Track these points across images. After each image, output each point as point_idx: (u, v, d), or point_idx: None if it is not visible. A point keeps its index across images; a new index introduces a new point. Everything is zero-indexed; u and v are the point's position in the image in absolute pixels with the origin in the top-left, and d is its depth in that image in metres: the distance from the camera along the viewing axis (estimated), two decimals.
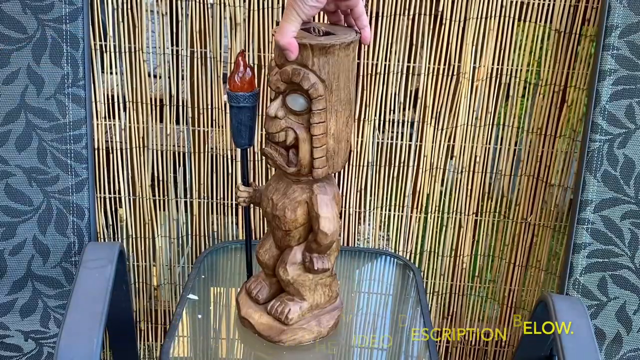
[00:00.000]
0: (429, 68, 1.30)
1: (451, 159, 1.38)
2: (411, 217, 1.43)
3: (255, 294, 1.04)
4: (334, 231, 0.94)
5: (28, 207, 1.16)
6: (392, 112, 1.34)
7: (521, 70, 1.31)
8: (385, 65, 1.30)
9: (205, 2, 1.25)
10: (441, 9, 1.26)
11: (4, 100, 1.12)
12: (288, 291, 1.00)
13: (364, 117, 1.34)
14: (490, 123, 1.35)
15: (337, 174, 1.38)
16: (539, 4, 1.25)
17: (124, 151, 1.36)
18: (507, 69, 1.31)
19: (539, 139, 1.34)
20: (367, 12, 1.25)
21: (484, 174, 1.39)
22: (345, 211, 1.42)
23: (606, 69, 1.12)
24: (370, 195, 1.41)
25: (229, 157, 1.37)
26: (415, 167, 1.38)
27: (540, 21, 1.27)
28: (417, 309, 1.14)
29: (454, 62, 1.29)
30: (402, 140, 1.37)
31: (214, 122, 1.34)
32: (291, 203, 0.95)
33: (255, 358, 1.02)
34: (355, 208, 1.42)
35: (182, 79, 1.32)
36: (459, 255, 1.46)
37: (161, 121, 1.35)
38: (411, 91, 1.33)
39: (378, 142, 1.37)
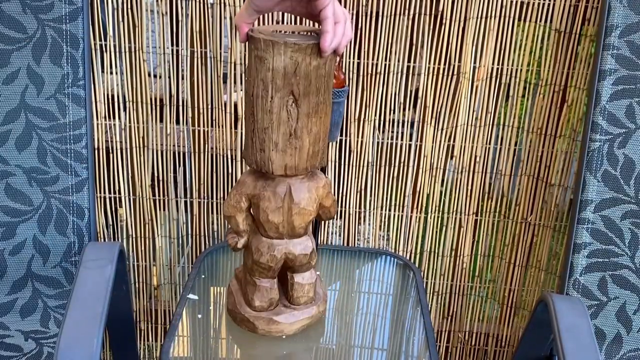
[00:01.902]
0: (429, 68, 1.30)
1: (451, 159, 1.38)
2: (411, 217, 1.43)
3: None
4: (225, 209, 0.98)
5: (28, 207, 1.16)
6: (392, 112, 1.34)
7: (521, 70, 1.31)
8: (385, 65, 1.30)
9: (205, 2, 1.25)
10: (441, 9, 1.26)
11: (4, 100, 1.12)
12: None
13: (364, 117, 1.34)
14: (490, 123, 1.35)
15: (336, 173, 1.38)
16: (539, 4, 1.25)
17: (124, 151, 1.36)
18: (507, 69, 1.31)
19: (539, 139, 1.34)
20: (367, 13, 1.25)
21: (484, 174, 1.39)
22: (345, 211, 1.43)
23: (606, 69, 1.12)
24: (370, 195, 1.41)
25: (229, 157, 1.37)
26: (415, 167, 1.38)
27: (540, 21, 1.27)
28: (417, 309, 1.14)
29: (454, 62, 1.29)
30: (402, 140, 1.37)
31: (214, 122, 1.34)
32: None
33: (255, 358, 1.02)
34: (355, 208, 1.42)
35: (182, 79, 1.32)
36: (459, 255, 1.46)
37: (161, 121, 1.35)
38: (411, 91, 1.33)
39: (378, 142, 1.37)
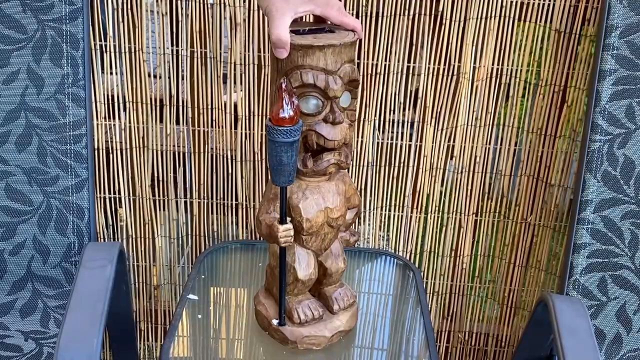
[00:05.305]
0: (429, 68, 1.30)
1: (451, 159, 1.38)
2: (411, 217, 1.43)
3: None
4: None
5: (28, 207, 1.16)
6: (392, 112, 1.34)
7: (521, 70, 1.31)
8: (385, 65, 1.30)
9: (205, 2, 1.25)
10: (441, 9, 1.26)
11: (4, 100, 1.12)
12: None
13: (364, 117, 1.34)
14: (490, 123, 1.35)
15: None
16: (539, 4, 1.25)
17: (124, 151, 1.36)
18: (507, 69, 1.31)
19: (539, 139, 1.34)
20: (367, 13, 1.25)
21: (484, 174, 1.39)
22: None
23: (606, 69, 1.12)
24: (370, 195, 1.41)
25: (229, 157, 1.37)
26: (415, 167, 1.38)
27: (540, 21, 1.27)
28: (417, 309, 1.14)
29: (454, 62, 1.29)
30: (402, 140, 1.37)
31: (214, 122, 1.35)
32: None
33: (256, 358, 1.02)
34: None
35: (182, 79, 1.32)
36: (459, 255, 1.46)
37: (161, 121, 1.35)
38: (411, 91, 1.33)
39: (378, 142, 1.37)
